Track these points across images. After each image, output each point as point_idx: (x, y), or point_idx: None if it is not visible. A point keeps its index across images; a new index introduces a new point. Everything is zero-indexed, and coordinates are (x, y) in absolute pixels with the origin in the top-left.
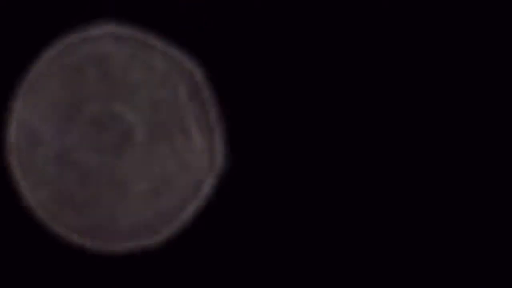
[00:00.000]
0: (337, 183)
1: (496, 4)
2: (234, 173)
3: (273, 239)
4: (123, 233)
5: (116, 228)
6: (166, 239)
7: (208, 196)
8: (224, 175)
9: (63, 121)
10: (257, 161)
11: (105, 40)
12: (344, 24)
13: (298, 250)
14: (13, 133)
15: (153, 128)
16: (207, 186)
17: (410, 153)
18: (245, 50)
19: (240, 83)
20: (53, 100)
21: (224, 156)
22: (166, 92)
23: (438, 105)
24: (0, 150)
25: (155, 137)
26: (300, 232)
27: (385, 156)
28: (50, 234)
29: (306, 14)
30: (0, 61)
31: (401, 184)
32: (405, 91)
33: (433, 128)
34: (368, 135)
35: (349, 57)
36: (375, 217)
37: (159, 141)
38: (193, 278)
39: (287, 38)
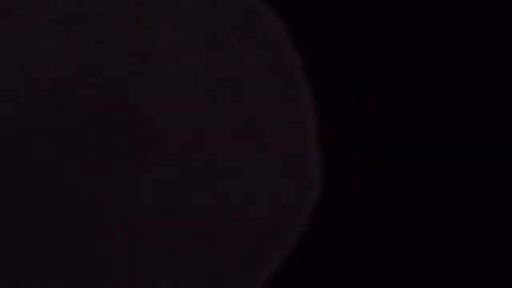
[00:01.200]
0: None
1: None
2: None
3: None
4: None
5: None
6: None
7: (293, 245)
8: (319, 210)
9: (37, 120)
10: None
11: None
12: None
13: None
14: None
15: (197, 129)
16: (294, 230)
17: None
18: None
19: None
20: (16, 83)
21: (321, 179)
22: (222, 62)
23: None
24: None
25: (200, 145)
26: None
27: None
28: None
29: None
30: None
31: None
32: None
33: None
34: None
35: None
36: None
37: (209, 152)
38: None
39: None
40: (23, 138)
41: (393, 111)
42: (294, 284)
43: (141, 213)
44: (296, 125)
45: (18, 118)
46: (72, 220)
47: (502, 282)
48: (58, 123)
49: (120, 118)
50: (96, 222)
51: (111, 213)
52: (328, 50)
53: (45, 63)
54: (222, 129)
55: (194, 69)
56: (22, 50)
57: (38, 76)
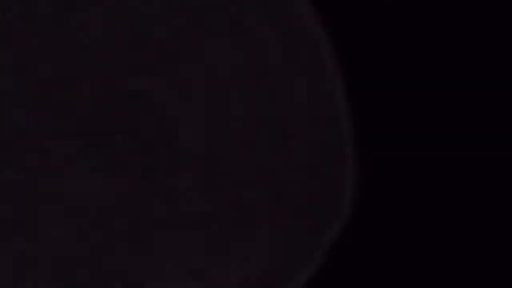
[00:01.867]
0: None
1: None
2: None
3: None
4: None
5: None
6: None
7: (324, 259)
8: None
9: (35, 120)
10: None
11: None
12: None
13: None
14: None
15: (217, 128)
16: (326, 242)
17: None
18: None
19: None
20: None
21: (356, 187)
22: (242, 56)
23: None
24: None
25: (218, 146)
26: None
27: None
28: None
29: None
30: None
31: None
32: None
33: None
34: None
35: None
36: None
37: (234, 155)
38: None
39: None
40: (24, 137)
41: (430, 108)
42: None
43: (152, 221)
44: (326, 123)
45: (20, 117)
46: (76, 225)
47: None
48: (61, 124)
49: (128, 118)
50: (101, 227)
51: (117, 218)
52: (365, 45)
53: (46, 57)
54: (247, 130)
55: (218, 65)
56: (21, 44)
57: (39, 72)
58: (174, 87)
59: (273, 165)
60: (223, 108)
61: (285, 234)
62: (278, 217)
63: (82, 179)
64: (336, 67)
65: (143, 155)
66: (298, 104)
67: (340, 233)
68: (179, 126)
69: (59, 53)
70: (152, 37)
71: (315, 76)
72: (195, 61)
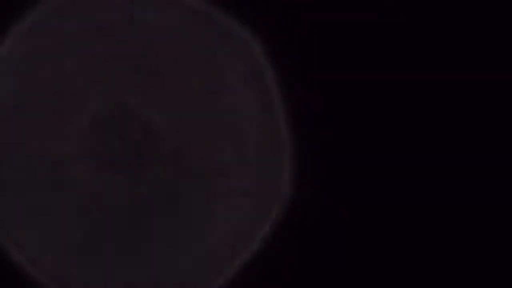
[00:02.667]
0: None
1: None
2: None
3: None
4: None
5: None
6: None
7: (268, 237)
8: (294, 205)
9: (48, 127)
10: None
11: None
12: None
13: None
14: None
15: (188, 131)
16: (267, 222)
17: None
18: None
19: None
20: (32, 92)
21: (295, 175)
22: (203, 78)
23: None
24: None
25: (190, 147)
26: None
27: None
28: None
29: None
30: None
31: None
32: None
33: None
34: None
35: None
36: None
37: (198, 153)
38: None
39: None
40: (28, 138)
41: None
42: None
43: (138, 211)
44: (271, 130)
45: (26, 120)
46: (72, 219)
47: None
48: (64, 128)
49: (119, 123)
50: (95, 221)
51: (109, 212)
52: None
53: (52, 69)
54: (209, 132)
55: (187, 78)
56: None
57: (45, 81)
58: (157, 101)
59: (231, 164)
60: (194, 118)
61: (240, 222)
62: (234, 209)
63: (81, 173)
64: (279, 88)
65: (131, 154)
66: (250, 115)
67: (282, 218)
68: (162, 129)
69: (67, 69)
70: (145, 61)
71: (262, 96)
72: (175, 80)
